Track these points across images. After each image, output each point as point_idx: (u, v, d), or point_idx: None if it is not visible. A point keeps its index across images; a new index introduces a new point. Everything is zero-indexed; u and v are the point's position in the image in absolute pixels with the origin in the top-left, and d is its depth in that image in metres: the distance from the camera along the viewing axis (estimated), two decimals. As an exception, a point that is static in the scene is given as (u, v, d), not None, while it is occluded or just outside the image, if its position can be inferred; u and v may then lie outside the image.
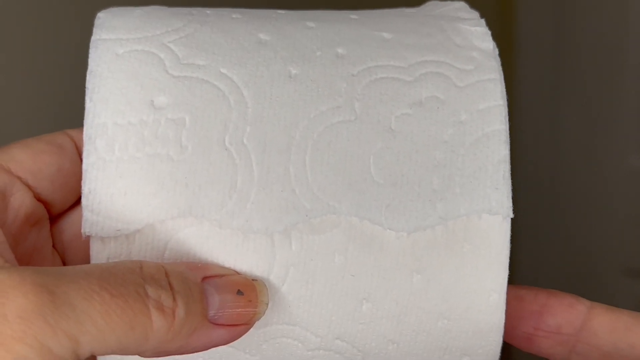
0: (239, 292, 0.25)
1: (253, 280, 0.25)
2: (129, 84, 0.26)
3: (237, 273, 0.26)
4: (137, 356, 0.25)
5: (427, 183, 0.26)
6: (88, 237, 0.26)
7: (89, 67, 0.27)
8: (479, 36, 0.28)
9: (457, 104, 0.27)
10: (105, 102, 0.26)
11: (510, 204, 0.26)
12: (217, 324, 0.24)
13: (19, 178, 0.27)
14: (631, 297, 1.04)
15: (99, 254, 0.26)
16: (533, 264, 1.15)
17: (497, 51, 0.28)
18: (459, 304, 0.26)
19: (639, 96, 0.99)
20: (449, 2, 0.31)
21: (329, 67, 0.27)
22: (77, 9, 0.78)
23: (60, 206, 0.29)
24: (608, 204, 1.06)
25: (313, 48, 0.27)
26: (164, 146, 0.26)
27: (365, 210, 0.26)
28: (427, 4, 0.31)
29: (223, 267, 0.26)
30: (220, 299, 0.25)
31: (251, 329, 0.26)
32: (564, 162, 1.11)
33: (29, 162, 0.28)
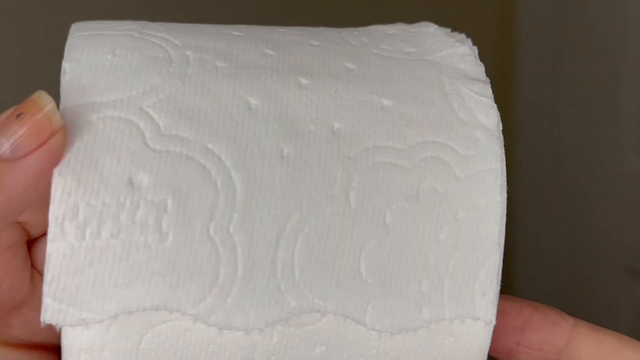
0: (19, 116, 0.22)
1: (26, 99, 0.23)
2: (105, 158, 0.23)
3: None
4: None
5: (415, 284, 0.25)
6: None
7: (59, 132, 0.23)
8: (483, 109, 0.27)
9: (454, 199, 0.25)
10: (77, 178, 0.23)
11: (495, 311, 0.25)
12: (24, 156, 0.22)
13: None
14: (631, 297, 1.04)
15: (70, 346, 0.24)
16: (533, 264, 1.15)
17: (501, 126, 0.27)
18: None
19: (639, 96, 0.99)
20: (453, 43, 0.28)
21: (324, 146, 0.25)
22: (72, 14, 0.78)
23: (40, 228, 0.26)
24: (608, 205, 1.06)
25: (307, 120, 0.25)
26: (142, 232, 0.23)
27: (350, 310, 0.25)
28: (425, 29, 0.29)
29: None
30: (3, 132, 0.22)
31: None
32: (564, 162, 1.11)
33: None
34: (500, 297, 0.27)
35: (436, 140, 0.26)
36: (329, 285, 0.24)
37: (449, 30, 0.29)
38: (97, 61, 0.25)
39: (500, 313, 0.27)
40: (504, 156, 0.26)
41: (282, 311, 0.24)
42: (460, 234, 0.25)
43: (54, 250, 0.23)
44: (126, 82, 0.24)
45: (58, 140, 0.22)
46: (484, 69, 0.27)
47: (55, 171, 0.23)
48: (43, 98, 0.22)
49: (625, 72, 1.00)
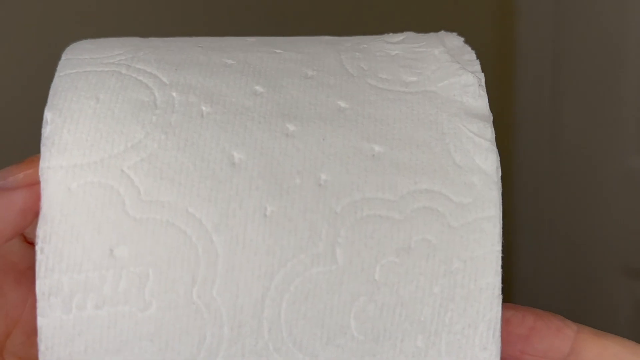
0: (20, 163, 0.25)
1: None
2: (86, 230, 0.24)
3: None
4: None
5: (411, 339, 0.24)
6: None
7: (41, 209, 0.24)
8: (482, 152, 0.26)
9: (449, 250, 0.24)
10: (59, 254, 0.24)
11: None
12: (11, 189, 0.24)
13: None
14: (631, 297, 1.04)
15: None
16: (533, 264, 1.16)
17: (500, 171, 0.26)
18: None
19: (639, 96, 1.00)
20: (456, 70, 0.27)
21: (310, 201, 0.24)
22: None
23: None
24: (608, 204, 1.06)
25: (293, 172, 0.24)
26: (126, 302, 0.24)
27: None
28: (435, 47, 0.28)
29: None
30: (3, 171, 0.24)
31: None
32: (564, 162, 1.11)
33: None
34: (503, 306, 0.26)
35: (429, 188, 0.25)
36: (319, 343, 0.24)
37: (460, 41, 0.28)
38: (80, 110, 0.25)
39: (504, 322, 0.27)
40: (501, 203, 0.25)
41: None
42: (456, 287, 0.24)
43: (44, 324, 0.23)
44: (108, 137, 0.24)
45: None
46: (487, 100, 0.26)
47: (38, 248, 0.23)
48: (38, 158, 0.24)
49: (625, 72, 1.00)
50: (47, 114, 0.25)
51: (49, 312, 0.24)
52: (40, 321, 0.23)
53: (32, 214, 0.24)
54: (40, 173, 0.24)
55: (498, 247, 0.25)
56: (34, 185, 0.24)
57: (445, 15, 1.07)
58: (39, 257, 0.23)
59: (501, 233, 0.25)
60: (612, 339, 0.27)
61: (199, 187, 0.24)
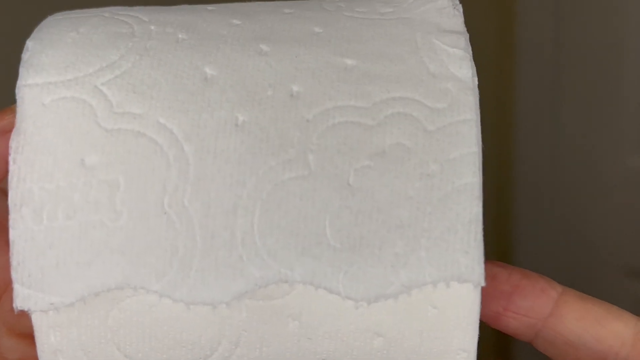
0: None
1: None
2: (57, 141, 0.24)
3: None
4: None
5: (389, 246, 0.23)
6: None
7: (16, 123, 0.24)
8: (456, 61, 0.25)
9: (425, 153, 0.24)
10: (30, 164, 0.24)
11: (482, 270, 0.23)
12: None
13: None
14: (631, 297, 1.04)
15: (40, 325, 0.24)
16: (533, 264, 1.15)
17: (476, 80, 0.25)
18: None
19: (638, 96, 1.00)
20: None
21: (281, 111, 0.24)
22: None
23: None
24: (608, 204, 1.06)
25: (265, 85, 0.24)
26: (97, 212, 0.23)
27: (321, 278, 0.23)
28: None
29: None
30: None
31: None
32: (563, 162, 1.11)
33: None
34: (490, 262, 0.26)
35: (403, 95, 0.24)
36: (294, 253, 0.23)
37: None
38: (60, 39, 0.25)
39: (490, 278, 0.27)
40: (478, 108, 0.24)
41: (248, 283, 0.23)
42: (433, 189, 0.23)
43: (16, 236, 0.23)
44: (84, 59, 0.25)
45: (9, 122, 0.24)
46: (462, 20, 0.26)
47: (10, 159, 0.24)
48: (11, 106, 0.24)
49: (625, 71, 1.00)
50: (29, 43, 0.25)
51: (20, 223, 0.23)
52: (12, 234, 0.23)
53: (5, 162, 0.24)
54: (17, 91, 0.24)
55: (475, 149, 0.24)
56: (8, 132, 0.24)
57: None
58: (12, 167, 0.24)
59: (479, 136, 0.24)
60: (596, 303, 0.27)
61: (170, 100, 0.24)
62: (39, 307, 0.23)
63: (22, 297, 0.23)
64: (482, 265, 0.23)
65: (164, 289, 0.23)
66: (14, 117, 0.24)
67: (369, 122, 0.24)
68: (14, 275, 0.23)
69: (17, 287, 0.23)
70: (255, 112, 0.24)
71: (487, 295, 0.27)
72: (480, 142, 0.24)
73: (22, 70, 0.25)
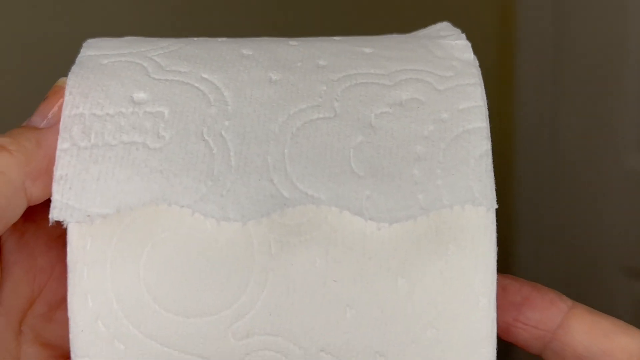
0: (47, 98, 0.26)
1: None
2: (110, 82, 0.26)
3: None
4: None
5: (408, 175, 0.25)
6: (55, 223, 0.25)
7: (71, 70, 0.27)
8: (459, 49, 0.28)
9: (437, 105, 0.26)
10: (84, 95, 0.26)
11: (494, 195, 0.25)
12: (55, 125, 0.26)
13: None
14: (630, 297, 1.04)
15: (74, 257, 0.25)
16: (532, 264, 1.16)
17: (477, 62, 0.28)
18: (446, 310, 0.25)
19: (639, 96, 1.00)
20: (431, 26, 0.31)
21: (310, 74, 0.27)
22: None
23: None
24: (608, 204, 1.06)
25: (294, 60, 0.27)
26: (141, 135, 0.25)
27: (345, 201, 0.25)
28: (413, 33, 0.32)
29: None
30: (36, 114, 0.26)
31: (232, 341, 0.25)
32: (563, 162, 1.11)
33: None
34: (501, 275, 0.27)
35: (415, 68, 0.27)
36: (321, 178, 0.25)
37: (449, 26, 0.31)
38: (114, 39, 0.29)
39: (501, 289, 0.28)
40: (481, 78, 0.27)
41: (277, 203, 0.25)
42: (446, 130, 0.26)
43: (63, 151, 0.25)
44: (138, 44, 0.28)
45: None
46: (460, 31, 0.29)
47: (67, 91, 0.26)
48: (61, 80, 0.26)
49: (625, 71, 1.00)
50: (88, 40, 0.28)
51: (68, 141, 0.25)
52: (59, 149, 0.25)
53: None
54: (78, 60, 0.27)
55: (481, 103, 0.26)
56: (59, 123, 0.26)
57: (445, 15, 1.07)
58: (67, 98, 0.26)
59: (484, 95, 0.27)
60: (605, 317, 0.28)
61: (212, 63, 0.27)
62: (75, 218, 0.25)
63: (60, 208, 0.25)
64: (494, 192, 0.25)
65: (197, 204, 0.25)
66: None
67: (387, 83, 0.27)
68: (55, 186, 0.25)
69: (56, 197, 0.25)
70: (287, 74, 0.27)
71: (498, 306, 0.27)
72: (485, 99, 0.27)
73: (82, 50, 0.28)
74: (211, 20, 0.89)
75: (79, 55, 0.28)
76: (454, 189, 0.25)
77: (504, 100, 1.15)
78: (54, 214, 0.25)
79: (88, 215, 0.25)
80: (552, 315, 0.28)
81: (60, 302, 0.28)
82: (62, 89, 0.26)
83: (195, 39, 0.29)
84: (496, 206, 0.25)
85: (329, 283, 0.25)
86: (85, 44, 0.28)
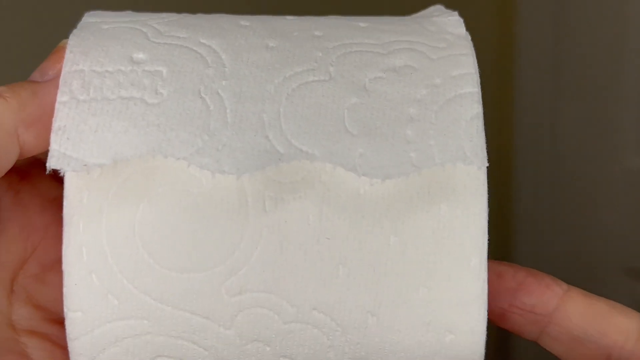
0: (48, 57, 0.27)
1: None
2: (110, 43, 0.27)
3: None
4: None
5: (400, 135, 0.26)
6: (52, 172, 0.25)
7: (73, 32, 0.27)
8: (452, 24, 0.29)
9: (430, 71, 0.27)
10: (84, 54, 0.27)
11: (485, 154, 0.26)
12: (52, 79, 0.26)
13: None
14: (631, 298, 1.04)
15: (71, 209, 0.26)
16: (532, 264, 1.15)
17: (469, 37, 0.28)
18: (437, 270, 0.26)
19: (638, 96, 1.00)
20: (427, 9, 0.32)
21: (306, 41, 0.27)
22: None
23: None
24: (608, 204, 1.06)
25: (291, 30, 0.28)
26: (139, 91, 0.26)
27: (339, 157, 0.25)
28: (407, 16, 0.32)
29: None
30: (37, 70, 0.26)
31: (225, 297, 0.25)
32: (563, 162, 1.11)
33: None
34: (495, 262, 0.27)
35: (409, 39, 0.28)
36: (315, 136, 0.25)
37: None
38: (113, 12, 0.29)
39: (496, 275, 0.28)
40: (473, 50, 0.28)
41: (272, 157, 0.25)
42: (438, 94, 0.26)
43: (62, 103, 0.26)
44: (138, 15, 0.29)
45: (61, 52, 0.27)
46: (456, 13, 0.30)
47: (67, 49, 0.27)
48: (63, 41, 0.27)
49: (625, 71, 1.00)
50: (89, 12, 0.29)
51: (67, 94, 0.26)
52: (58, 102, 0.26)
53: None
54: (79, 25, 0.28)
55: (472, 71, 0.27)
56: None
57: (445, 15, 1.07)
58: (68, 55, 0.27)
59: (476, 64, 0.27)
60: (600, 299, 0.28)
61: (211, 30, 0.28)
62: (72, 167, 0.25)
63: (57, 157, 0.25)
64: (485, 152, 0.26)
65: (192, 157, 0.25)
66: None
67: (381, 52, 0.27)
68: (53, 137, 0.25)
69: (54, 147, 0.25)
70: (283, 41, 0.27)
71: (493, 293, 0.28)
72: (477, 67, 0.27)
73: (84, 18, 0.28)
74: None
75: (81, 22, 0.28)
76: (446, 148, 0.25)
77: (504, 100, 1.15)
78: (52, 163, 0.25)
79: (85, 165, 0.25)
80: (547, 299, 0.28)
81: (52, 264, 0.28)
82: (63, 49, 0.26)
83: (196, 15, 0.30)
84: (487, 164, 0.26)
85: (322, 240, 0.25)
86: (86, 14, 0.29)
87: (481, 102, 0.26)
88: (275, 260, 0.25)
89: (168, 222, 0.25)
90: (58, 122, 0.25)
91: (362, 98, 0.26)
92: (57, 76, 0.26)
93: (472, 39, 0.29)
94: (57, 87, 0.26)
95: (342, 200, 0.25)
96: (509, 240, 1.17)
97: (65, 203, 0.25)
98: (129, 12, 0.29)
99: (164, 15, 0.29)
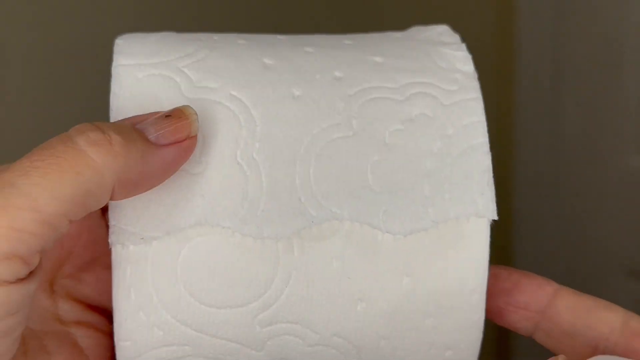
0: (167, 116, 0.27)
1: (174, 108, 0.28)
2: (150, 107, 0.28)
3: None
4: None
5: (419, 190, 0.28)
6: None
7: (112, 90, 0.28)
8: (461, 60, 0.31)
9: (444, 118, 0.29)
10: (125, 116, 0.28)
11: (495, 207, 0.29)
12: (163, 145, 0.26)
13: None
14: (631, 298, 1.04)
15: (119, 260, 0.28)
16: (532, 265, 1.16)
17: (476, 75, 0.31)
18: (444, 303, 0.29)
19: (639, 96, 1.00)
20: (431, 27, 0.33)
21: (328, 88, 0.29)
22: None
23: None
24: (608, 204, 1.06)
25: (312, 71, 0.30)
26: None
27: (365, 216, 0.28)
28: (411, 29, 0.34)
29: (147, 114, 0.28)
30: (154, 125, 0.27)
31: (257, 328, 0.28)
32: (564, 162, 1.11)
33: None
34: (493, 266, 0.30)
35: (423, 81, 0.30)
36: (343, 195, 0.28)
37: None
38: (144, 38, 0.31)
39: (493, 277, 0.31)
40: (480, 92, 0.30)
41: (305, 220, 0.28)
42: (452, 146, 0.29)
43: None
44: (166, 50, 0.30)
45: (190, 143, 0.27)
46: (459, 38, 0.32)
47: (111, 117, 0.28)
48: (189, 109, 0.27)
49: (625, 71, 1.00)
50: (117, 40, 0.30)
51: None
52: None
53: (173, 169, 0.27)
54: (112, 71, 0.29)
55: (483, 118, 0.29)
56: (184, 141, 0.27)
57: (445, 14, 1.07)
58: (112, 115, 0.28)
59: (483, 109, 0.30)
60: (588, 296, 0.30)
61: (239, 79, 0.29)
62: (131, 241, 0.28)
63: (117, 233, 0.28)
64: (495, 204, 0.29)
65: (236, 226, 0.28)
66: (194, 142, 0.28)
67: (399, 98, 0.29)
68: (111, 214, 0.28)
69: (113, 224, 0.28)
70: (308, 89, 0.29)
71: (490, 293, 0.31)
72: (484, 113, 0.30)
73: (116, 56, 0.29)
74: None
75: (114, 64, 0.29)
76: (460, 203, 0.28)
77: (504, 100, 1.15)
78: (112, 238, 0.28)
79: (142, 238, 0.28)
80: (540, 297, 0.30)
81: (86, 266, 0.31)
82: (188, 118, 0.27)
83: (216, 37, 0.31)
84: (496, 217, 0.29)
85: (343, 280, 0.28)
86: (116, 47, 0.30)
87: (489, 153, 0.29)
88: (302, 297, 0.28)
89: (207, 266, 0.28)
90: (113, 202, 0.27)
91: (383, 154, 0.28)
92: (172, 145, 0.27)
93: (472, 39, 0.31)
94: (167, 157, 0.26)
95: (362, 246, 0.28)
96: (509, 241, 1.17)
97: (112, 251, 0.28)
98: (156, 39, 0.30)
99: (191, 47, 0.30)
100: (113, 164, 0.25)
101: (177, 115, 0.27)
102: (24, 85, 0.75)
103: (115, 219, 0.28)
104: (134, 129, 0.26)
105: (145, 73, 0.29)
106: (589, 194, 1.08)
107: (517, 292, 0.30)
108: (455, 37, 0.32)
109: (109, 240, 0.28)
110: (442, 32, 0.33)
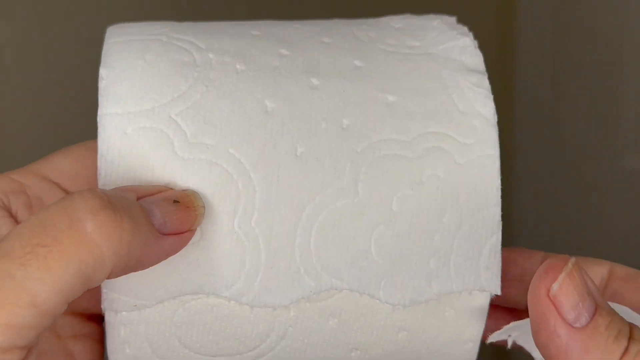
0: (175, 202, 0.26)
1: (183, 190, 0.27)
2: (141, 171, 0.27)
3: (168, 189, 0.26)
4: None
5: (424, 263, 0.27)
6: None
7: (99, 150, 0.26)
8: (481, 99, 0.30)
9: (456, 184, 0.28)
10: (115, 186, 0.27)
11: (499, 281, 0.28)
12: (165, 234, 0.26)
13: (58, 184, 0.28)
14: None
15: (112, 321, 0.28)
16: (533, 264, 1.16)
17: (496, 117, 0.30)
18: (438, 351, 0.29)
19: (638, 96, 1.00)
20: (454, 36, 0.31)
21: (334, 142, 0.27)
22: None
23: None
24: (608, 204, 1.06)
25: (319, 119, 0.27)
26: None
27: (365, 286, 0.27)
28: (434, 20, 0.32)
29: (153, 186, 0.26)
30: (161, 210, 0.26)
31: None
32: (563, 162, 1.11)
33: (68, 167, 0.28)
34: None
35: (437, 130, 0.28)
36: (344, 265, 0.27)
37: (454, 19, 0.32)
38: (130, 68, 0.28)
39: None
40: (498, 142, 0.29)
41: (304, 291, 0.27)
42: (462, 216, 0.27)
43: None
44: (157, 89, 0.27)
45: (190, 235, 0.26)
46: (482, 59, 0.30)
47: (99, 186, 0.26)
48: (198, 200, 0.26)
49: (626, 71, 1.00)
50: (102, 71, 0.27)
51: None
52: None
53: (169, 257, 0.26)
54: (98, 120, 0.27)
55: (497, 182, 0.29)
56: (185, 232, 0.26)
57: (445, 13, 1.07)
58: (100, 181, 0.26)
59: (499, 169, 0.29)
60: (573, 256, 0.32)
61: (238, 131, 0.27)
62: (124, 309, 0.27)
63: (110, 300, 0.27)
64: (500, 278, 0.28)
65: (232, 296, 0.27)
66: (192, 234, 0.27)
67: (409, 155, 0.28)
68: (105, 282, 0.27)
69: (105, 291, 0.27)
70: (312, 144, 0.27)
71: None
72: (500, 175, 0.28)
73: (102, 100, 0.27)
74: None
75: (99, 112, 0.26)
76: (465, 277, 0.28)
77: (504, 100, 1.15)
78: (106, 305, 0.27)
79: (135, 305, 0.27)
80: (531, 265, 0.31)
81: None
82: (193, 206, 0.26)
83: (212, 56, 0.28)
84: (499, 293, 0.28)
85: (339, 333, 0.28)
86: (101, 85, 0.27)
87: (501, 223, 0.28)
88: (297, 348, 0.28)
89: (202, 324, 0.27)
90: None
91: (389, 222, 0.27)
92: (173, 235, 0.26)
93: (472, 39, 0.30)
94: (165, 247, 0.26)
95: (360, 307, 0.28)
96: (508, 240, 1.17)
97: (105, 315, 0.27)
98: (144, 70, 0.27)
99: (184, 86, 0.27)
100: (118, 250, 0.24)
101: (186, 203, 0.26)
102: (24, 85, 0.75)
103: (107, 287, 0.27)
104: (141, 210, 0.25)
105: (134, 126, 0.27)
106: (589, 194, 1.08)
107: (509, 266, 0.31)
108: (479, 60, 0.30)
109: (102, 306, 0.27)
110: (464, 48, 0.30)
